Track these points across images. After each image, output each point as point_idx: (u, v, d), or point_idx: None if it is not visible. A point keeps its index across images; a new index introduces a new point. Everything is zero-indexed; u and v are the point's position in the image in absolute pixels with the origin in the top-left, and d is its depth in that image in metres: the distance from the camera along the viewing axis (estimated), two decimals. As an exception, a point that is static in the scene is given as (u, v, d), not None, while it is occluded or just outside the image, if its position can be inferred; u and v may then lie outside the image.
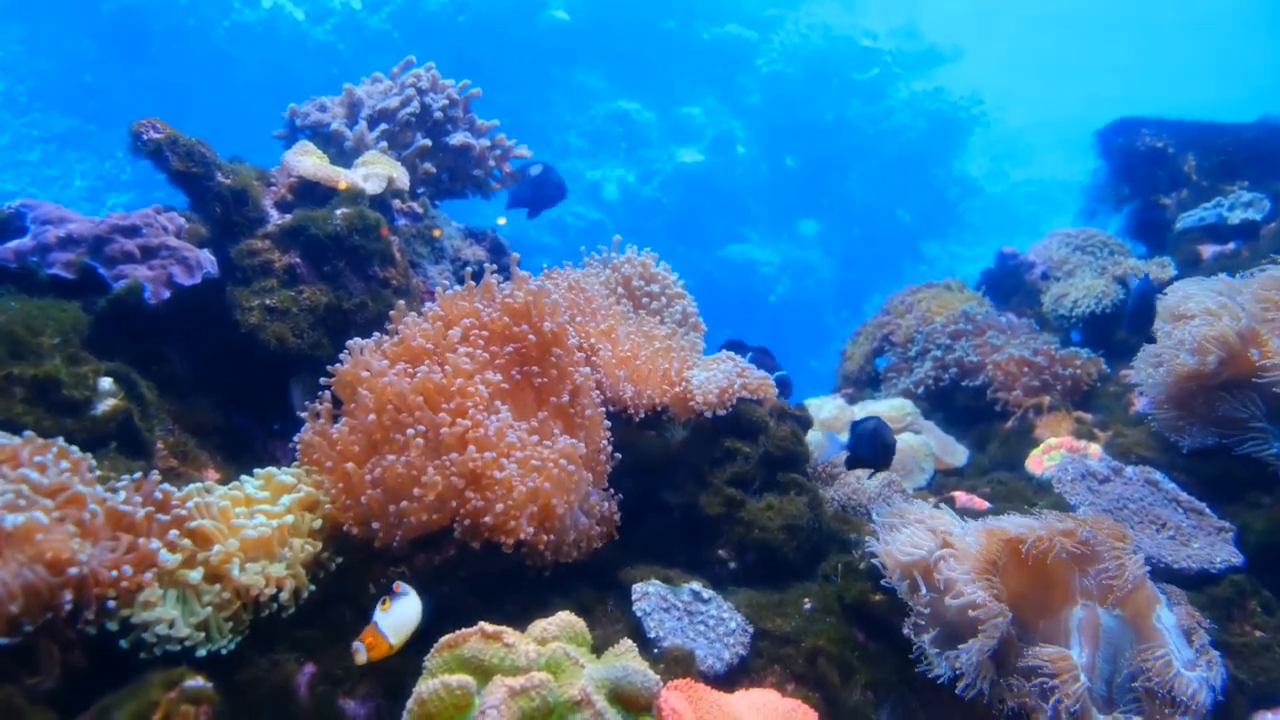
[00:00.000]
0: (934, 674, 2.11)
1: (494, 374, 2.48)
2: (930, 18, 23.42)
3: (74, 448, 2.00)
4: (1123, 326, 3.55)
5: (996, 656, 2.09)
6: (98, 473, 2.01)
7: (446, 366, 2.40)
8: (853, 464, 2.96)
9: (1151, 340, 3.25)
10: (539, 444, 2.40)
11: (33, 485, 1.80)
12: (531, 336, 2.59)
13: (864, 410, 4.01)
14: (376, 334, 2.61)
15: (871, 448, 2.83)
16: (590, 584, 2.51)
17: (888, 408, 3.98)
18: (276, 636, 2.10)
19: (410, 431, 2.27)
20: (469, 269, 2.84)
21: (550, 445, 2.40)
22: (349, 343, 2.54)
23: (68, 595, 1.74)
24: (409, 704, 1.66)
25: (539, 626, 1.88)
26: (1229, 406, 2.96)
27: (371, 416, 2.31)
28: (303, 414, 2.50)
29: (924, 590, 2.20)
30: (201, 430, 2.75)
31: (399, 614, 1.93)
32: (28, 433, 1.97)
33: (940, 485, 3.59)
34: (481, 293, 2.69)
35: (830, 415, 3.92)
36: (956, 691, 2.05)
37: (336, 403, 2.52)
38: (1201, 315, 3.03)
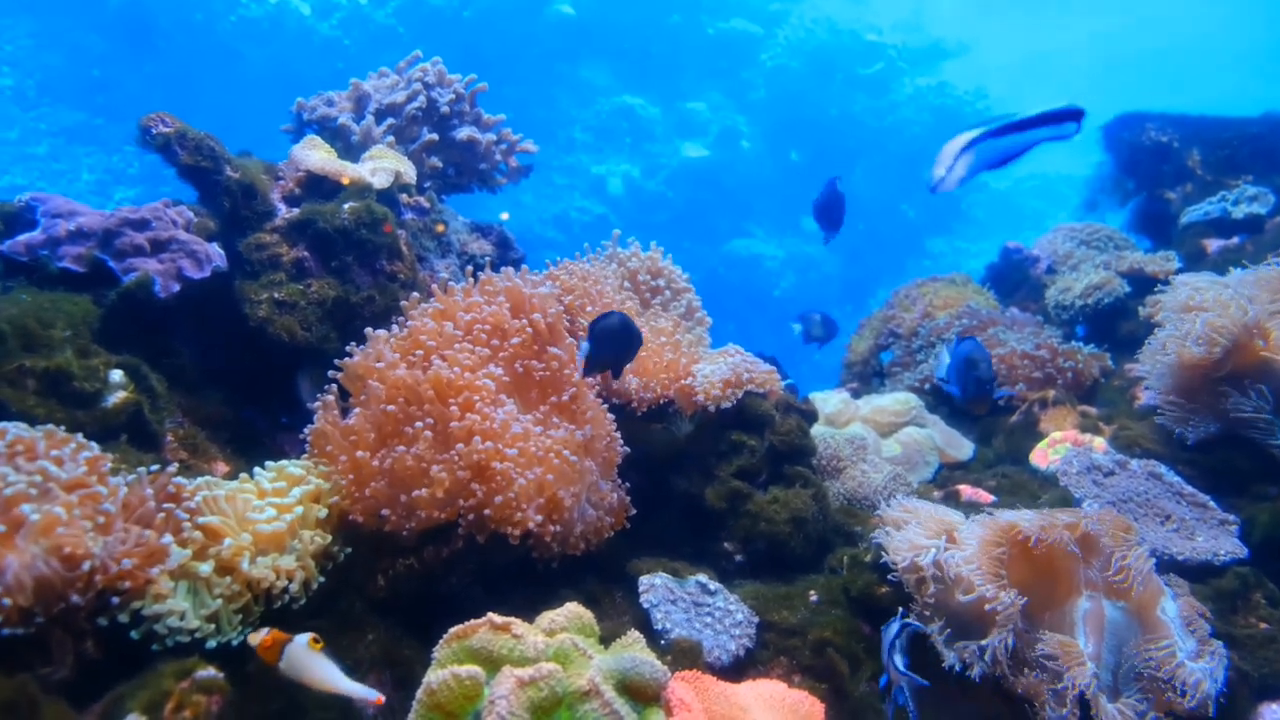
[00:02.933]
0: (943, 665, 2.12)
1: (496, 368, 2.49)
2: (935, 12, 23.39)
3: (92, 443, 2.02)
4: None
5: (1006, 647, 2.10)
6: (110, 465, 2.03)
7: (455, 366, 2.41)
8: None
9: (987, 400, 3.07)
10: (542, 435, 2.41)
11: (50, 478, 1.82)
12: (529, 329, 2.61)
13: (869, 404, 4.01)
14: (395, 326, 2.62)
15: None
16: (598, 576, 2.53)
17: (892, 401, 3.98)
18: (287, 627, 2.11)
19: (419, 425, 2.29)
20: (473, 264, 2.85)
21: (552, 436, 2.41)
22: (368, 331, 2.55)
23: (81, 588, 1.76)
24: (419, 694, 1.67)
25: (547, 618, 1.89)
26: (1234, 398, 2.97)
27: (390, 408, 2.33)
28: (314, 405, 2.52)
29: (931, 585, 2.22)
30: (211, 423, 2.77)
31: (311, 661, 1.78)
32: (50, 426, 1.98)
33: (945, 479, 3.59)
34: (479, 287, 2.70)
35: (834, 409, 3.93)
36: (965, 680, 2.07)
37: (344, 395, 2.53)
38: (1209, 305, 3.04)
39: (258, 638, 1.80)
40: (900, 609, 2.26)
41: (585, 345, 2.44)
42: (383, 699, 1.78)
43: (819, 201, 3.31)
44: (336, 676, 1.78)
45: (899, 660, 2.06)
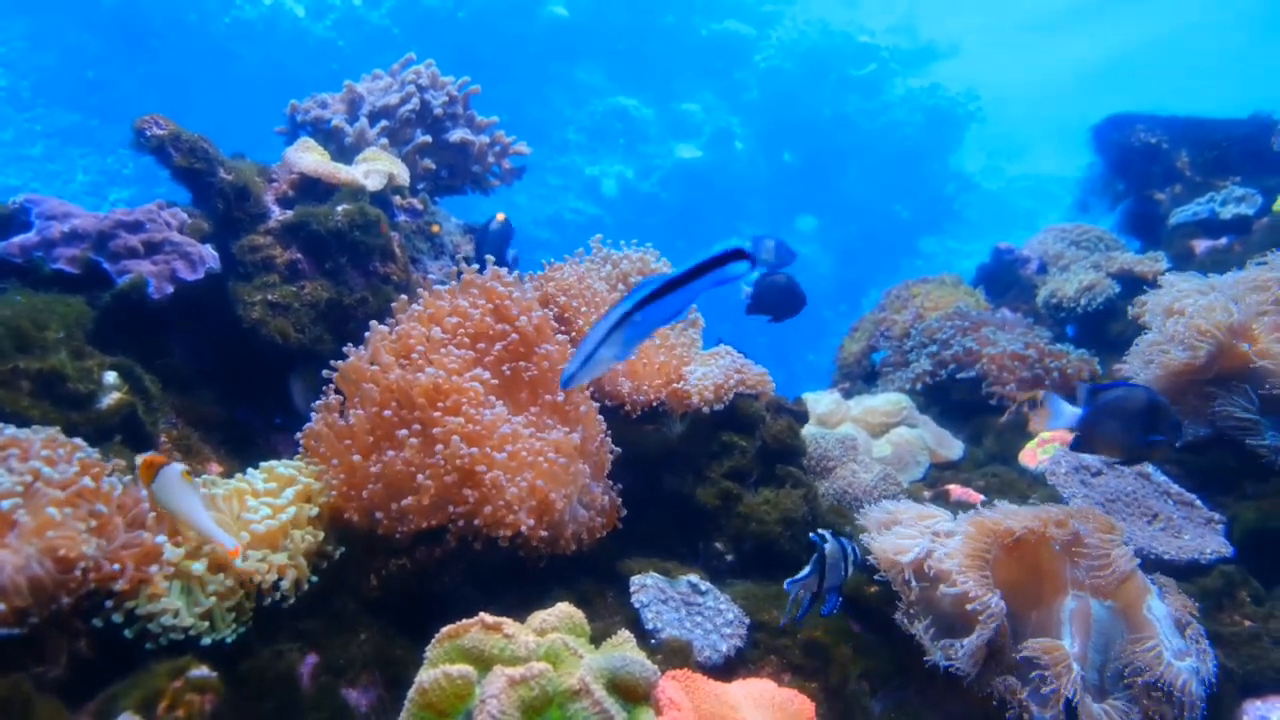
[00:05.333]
0: (928, 660, 2.14)
1: (483, 370, 2.50)
2: (927, 14, 23.49)
3: (88, 446, 2.03)
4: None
5: (990, 646, 2.12)
6: (105, 467, 2.03)
7: (440, 369, 2.42)
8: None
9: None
10: (532, 437, 2.42)
11: (43, 478, 1.83)
12: (515, 335, 2.62)
13: (860, 405, 4.03)
14: (385, 328, 2.63)
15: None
16: (589, 575, 2.54)
17: (884, 402, 4.00)
18: (279, 627, 2.12)
19: (404, 431, 2.30)
20: (462, 262, 2.86)
21: (543, 439, 2.42)
22: (373, 325, 2.56)
23: (75, 588, 1.77)
24: (410, 693, 1.68)
25: (538, 617, 1.91)
26: (1221, 400, 2.99)
27: (386, 412, 2.34)
28: (312, 407, 2.52)
29: (914, 583, 2.24)
30: (204, 424, 2.77)
31: (179, 490, 1.89)
32: (51, 430, 1.99)
33: (935, 479, 3.61)
34: (463, 290, 2.71)
35: (826, 410, 3.95)
36: (952, 679, 2.09)
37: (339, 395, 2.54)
38: (1191, 310, 3.06)
39: (142, 458, 1.88)
40: (824, 532, 2.32)
41: (748, 292, 2.91)
42: (239, 549, 1.92)
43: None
44: (198, 513, 1.90)
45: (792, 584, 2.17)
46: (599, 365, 1.64)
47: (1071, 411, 2.59)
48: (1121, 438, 2.54)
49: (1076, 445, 2.65)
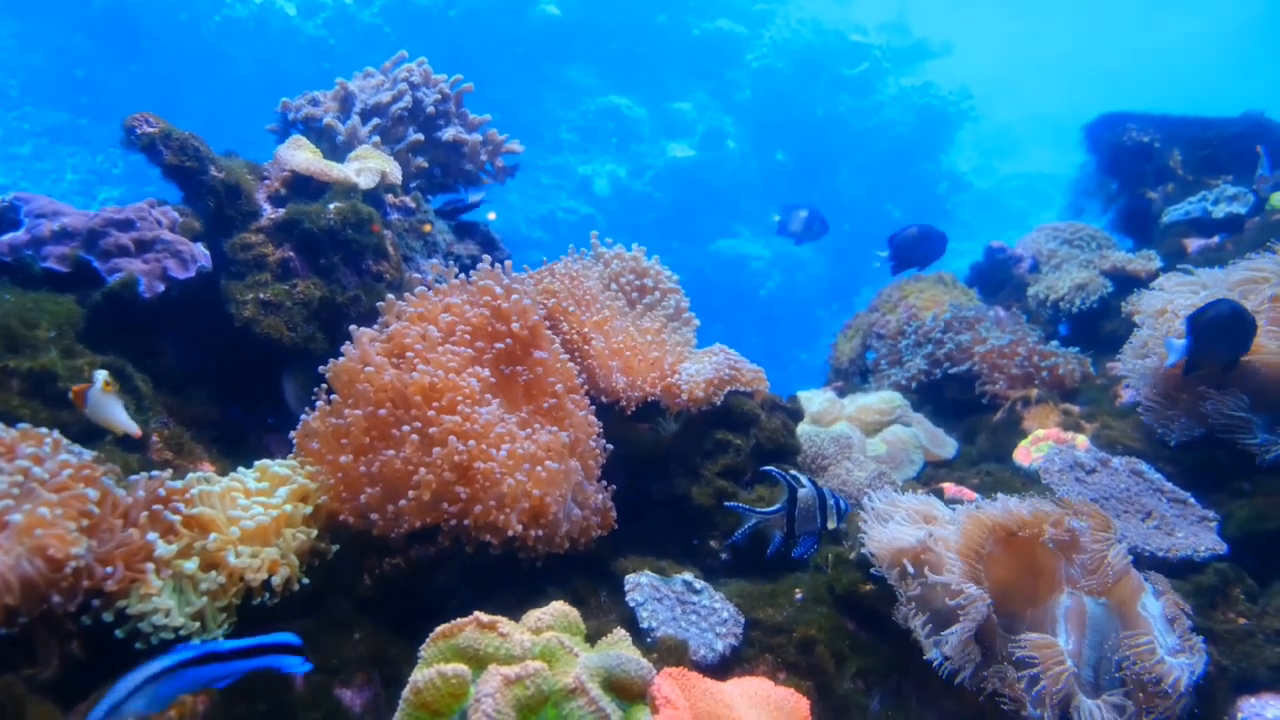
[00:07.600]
0: (926, 658, 2.14)
1: (483, 369, 2.50)
2: (919, 13, 23.52)
3: (76, 445, 2.01)
4: None
5: (983, 642, 2.12)
6: (96, 468, 2.02)
7: (437, 368, 2.41)
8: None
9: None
10: (527, 438, 2.41)
11: (33, 478, 1.82)
12: (509, 335, 2.61)
13: (854, 403, 4.03)
14: (376, 327, 2.62)
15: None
16: (584, 574, 2.53)
17: (878, 400, 4.00)
18: (273, 627, 2.10)
19: (405, 428, 2.29)
20: (453, 265, 2.85)
21: (536, 441, 2.41)
22: (353, 330, 2.54)
23: (65, 588, 1.76)
24: (405, 692, 1.68)
25: (533, 616, 1.90)
26: (1213, 399, 3.00)
27: (382, 411, 2.33)
28: (302, 408, 2.51)
29: (913, 577, 2.23)
30: (196, 423, 2.76)
31: (105, 400, 2.22)
32: (23, 425, 1.98)
33: (929, 477, 3.61)
34: (455, 290, 2.70)
35: (820, 408, 3.95)
36: (945, 677, 2.09)
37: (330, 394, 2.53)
38: (1187, 310, 3.06)
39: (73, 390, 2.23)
40: (799, 475, 2.40)
41: (884, 256, 3.30)
42: (140, 432, 2.30)
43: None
44: (118, 413, 2.24)
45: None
46: (125, 716, 1.66)
47: (1179, 345, 2.93)
48: (1227, 352, 2.88)
49: (1189, 370, 2.98)
